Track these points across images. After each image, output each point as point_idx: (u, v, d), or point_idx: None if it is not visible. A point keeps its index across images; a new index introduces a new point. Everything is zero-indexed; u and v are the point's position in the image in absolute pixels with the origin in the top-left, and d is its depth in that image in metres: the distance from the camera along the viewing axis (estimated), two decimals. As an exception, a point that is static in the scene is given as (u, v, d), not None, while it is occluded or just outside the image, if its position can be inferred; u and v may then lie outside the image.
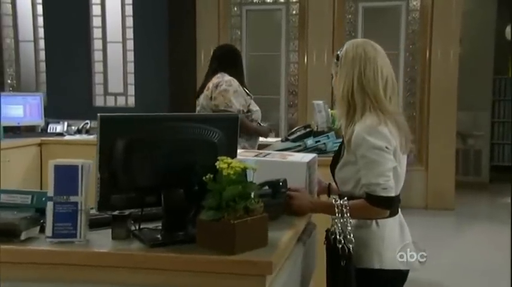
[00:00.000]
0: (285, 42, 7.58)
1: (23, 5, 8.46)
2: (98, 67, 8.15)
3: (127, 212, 1.73)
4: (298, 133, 4.47)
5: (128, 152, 1.63)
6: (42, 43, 8.27)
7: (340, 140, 4.11)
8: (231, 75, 3.89)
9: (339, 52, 2.15)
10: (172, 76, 7.33)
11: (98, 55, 8.14)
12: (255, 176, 2.02)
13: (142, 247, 1.65)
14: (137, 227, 1.75)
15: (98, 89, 8.19)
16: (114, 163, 1.63)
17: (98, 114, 1.60)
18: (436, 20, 7.10)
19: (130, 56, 7.99)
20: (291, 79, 7.65)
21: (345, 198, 2.04)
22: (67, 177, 1.67)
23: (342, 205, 2.01)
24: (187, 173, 1.71)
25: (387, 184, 1.98)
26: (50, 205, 1.66)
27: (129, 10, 8.04)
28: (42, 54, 8.28)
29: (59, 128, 5.22)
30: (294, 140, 4.22)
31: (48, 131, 5.19)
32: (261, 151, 2.35)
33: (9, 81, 8.49)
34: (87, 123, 5.44)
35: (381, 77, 2.06)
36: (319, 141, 3.80)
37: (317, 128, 4.40)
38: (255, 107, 4.15)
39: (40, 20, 8.30)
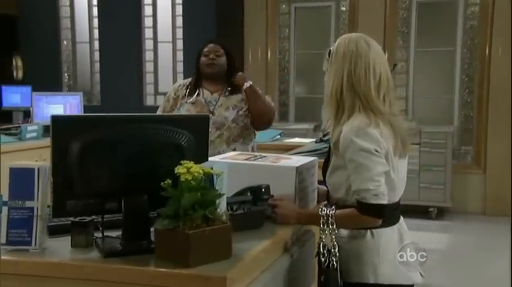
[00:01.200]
0: (334, 40, 7.33)
1: (80, 7, 8.66)
2: (148, 67, 8.23)
3: (89, 218, 1.64)
4: (334, 134, 4.29)
5: (83, 155, 1.54)
6: (97, 44, 8.44)
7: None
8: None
9: (331, 48, 1.98)
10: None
11: (148, 55, 8.22)
12: (241, 181, 1.90)
13: (97, 257, 1.55)
14: (101, 235, 1.65)
15: (149, 89, 8.27)
16: (69, 166, 1.54)
17: (50, 114, 1.52)
18: (497, 14, 6.66)
19: (180, 55, 8.03)
20: (341, 78, 7.42)
21: (333, 207, 1.91)
22: (23, 181, 1.60)
23: (327, 215, 1.86)
24: (151, 178, 1.60)
25: (378, 190, 1.81)
26: (4, 210, 1.59)
27: (179, 10, 8.08)
28: (97, 55, 8.46)
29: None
30: (327, 141, 4.04)
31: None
32: (256, 154, 2.21)
33: (66, 81, 8.72)
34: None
35: (373, 75, 1.90)
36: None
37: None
38: (185, 111, 3.18)
39: (96, 22, 8.47)
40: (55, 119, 1.52)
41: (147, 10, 8.23)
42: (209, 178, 1.60)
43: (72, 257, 1.56)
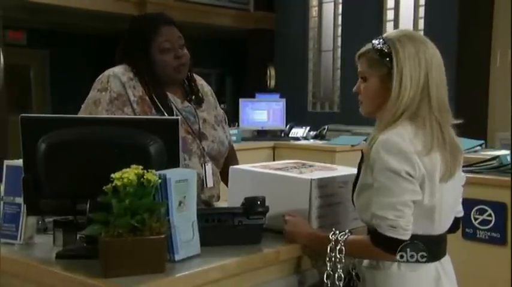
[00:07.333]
0: None
1: (327, 17, 8.82)
2: (385, 73, 7.95)
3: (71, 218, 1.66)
4: None
5: (48, 155, 1.55)
6: (339, 51, 8.49)
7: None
8: None
9: (380, 46, 1.63)
10: (461, 78, 6.58)
11: (386, 61, 7.94)
12: (257, 191, 1.72)
13: (50, 258, 1.55)
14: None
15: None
16: (38, 166, 1.57)
17: (20, 115, 1.57)
18: None
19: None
20: None
21: (346, 231, 1.61)
22: (15, 177, 1.68)
23: (337, 241, 1.58)
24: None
25: (397, 221, 1.48)
26: (1, 205, 1.71)
27: (421, 12, 7.62)
28: (338, 63, 8.51)
29: (300, 132, 5.27)
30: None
31: (290, 135, 5.30)
32: (304, 162, 1.94)
33: (311, 88, 8.96)
34: (324, 128, 5.35)
35: (445, 78, 1.63)
36: None
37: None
38: None
39: (339, 30, 8.53)
40: (23, 119, 1.56)
41: (389, 15, 7.97)
42: (163, 185, 1.47)
43: (33, 255, 1.59)
